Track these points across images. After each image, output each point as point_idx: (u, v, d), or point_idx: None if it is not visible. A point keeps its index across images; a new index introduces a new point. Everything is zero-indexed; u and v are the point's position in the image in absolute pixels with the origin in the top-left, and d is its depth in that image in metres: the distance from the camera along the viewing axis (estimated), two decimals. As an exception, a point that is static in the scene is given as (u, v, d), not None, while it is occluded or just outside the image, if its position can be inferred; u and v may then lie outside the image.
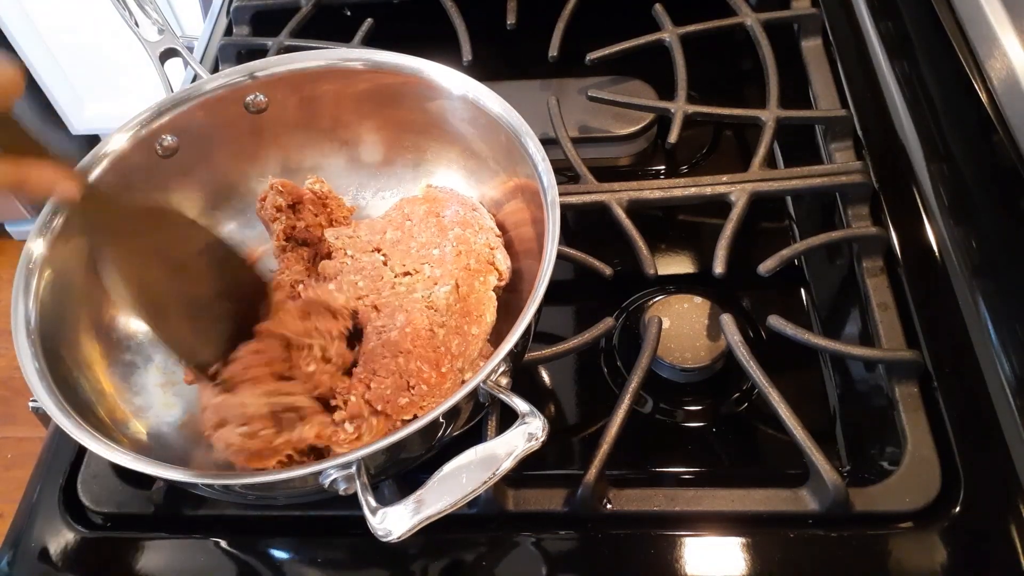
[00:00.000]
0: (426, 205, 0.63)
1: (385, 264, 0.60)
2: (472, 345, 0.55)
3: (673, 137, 0.69)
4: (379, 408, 0.50)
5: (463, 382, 0.51)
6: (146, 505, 0.55)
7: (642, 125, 0.75)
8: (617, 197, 0.64)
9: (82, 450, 0.58)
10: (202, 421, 0.50)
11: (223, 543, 0.54)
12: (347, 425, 0.50)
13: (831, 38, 0.75)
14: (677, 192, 0.64)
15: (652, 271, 0.61)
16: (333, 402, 0.52)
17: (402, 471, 0.51)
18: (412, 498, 0.41)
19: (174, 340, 0.51)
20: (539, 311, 0.48)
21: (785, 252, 0.59)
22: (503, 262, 0.59)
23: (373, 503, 0.41)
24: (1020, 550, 0.47)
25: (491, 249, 0.60)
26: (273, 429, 0.48)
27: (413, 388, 0.51)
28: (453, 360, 0.53)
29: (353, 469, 0.43)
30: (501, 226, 0.62)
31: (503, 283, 0.59)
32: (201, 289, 0.52)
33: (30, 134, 0.43)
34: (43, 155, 0.44)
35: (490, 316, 0.57)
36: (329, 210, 0.65)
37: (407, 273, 0.59)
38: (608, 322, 0.57)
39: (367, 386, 0.51)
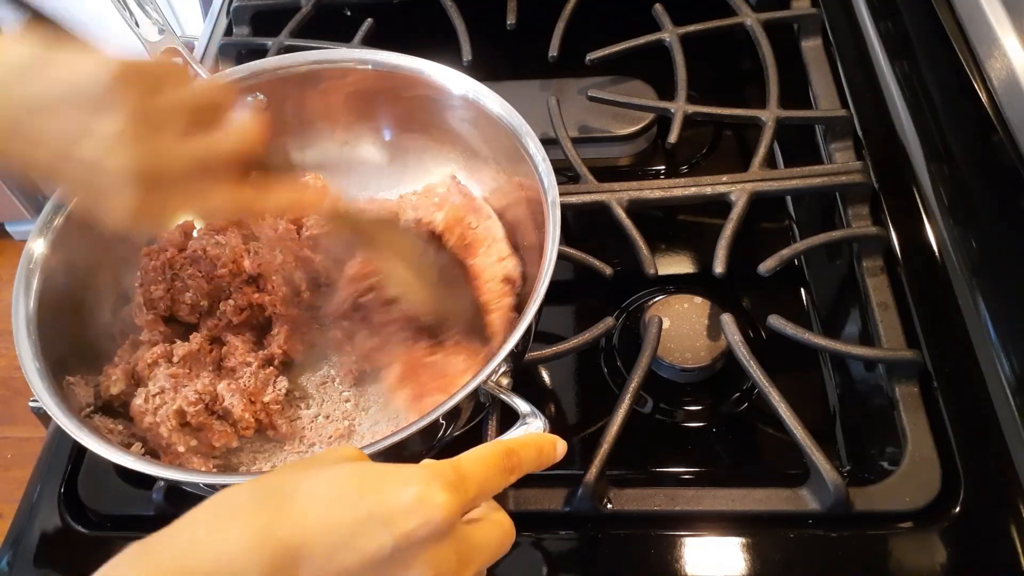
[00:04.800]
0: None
1: None
2: (479, 354, 0.54)
3: (673, 137, 0.69)
4: None
5: None
6: (146, 505, 0.55)
7: (642, 125, 0.75)
8: (617, 197, 0.64)
9: (82, 450, 0.58)
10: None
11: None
12: None
13: (831, 38, 0.75)
14: (677, 192, 0.64)
15: (652, 271, 0.61)
16: None
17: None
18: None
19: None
20: (539, 311, 0.48)
21: (785, 252, 0.59)
22: (516, 268, 0.58)
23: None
24: (1020, 550, 0.47)
25: (500, 260, 0.58)
26: None
27: None
28: (463, 376, 0.53)
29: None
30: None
31: (518, 289, 0.57)
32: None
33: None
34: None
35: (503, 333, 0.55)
36: None
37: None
38: (608, 322, 0.57)
39: None
